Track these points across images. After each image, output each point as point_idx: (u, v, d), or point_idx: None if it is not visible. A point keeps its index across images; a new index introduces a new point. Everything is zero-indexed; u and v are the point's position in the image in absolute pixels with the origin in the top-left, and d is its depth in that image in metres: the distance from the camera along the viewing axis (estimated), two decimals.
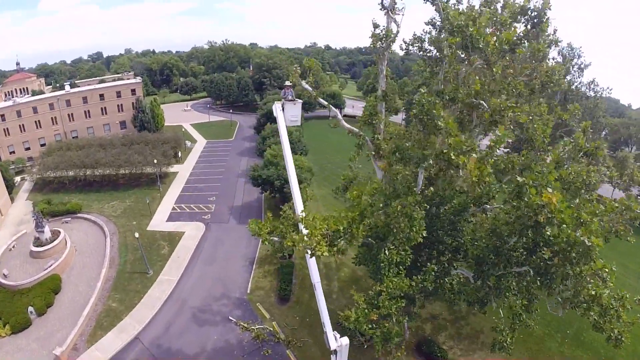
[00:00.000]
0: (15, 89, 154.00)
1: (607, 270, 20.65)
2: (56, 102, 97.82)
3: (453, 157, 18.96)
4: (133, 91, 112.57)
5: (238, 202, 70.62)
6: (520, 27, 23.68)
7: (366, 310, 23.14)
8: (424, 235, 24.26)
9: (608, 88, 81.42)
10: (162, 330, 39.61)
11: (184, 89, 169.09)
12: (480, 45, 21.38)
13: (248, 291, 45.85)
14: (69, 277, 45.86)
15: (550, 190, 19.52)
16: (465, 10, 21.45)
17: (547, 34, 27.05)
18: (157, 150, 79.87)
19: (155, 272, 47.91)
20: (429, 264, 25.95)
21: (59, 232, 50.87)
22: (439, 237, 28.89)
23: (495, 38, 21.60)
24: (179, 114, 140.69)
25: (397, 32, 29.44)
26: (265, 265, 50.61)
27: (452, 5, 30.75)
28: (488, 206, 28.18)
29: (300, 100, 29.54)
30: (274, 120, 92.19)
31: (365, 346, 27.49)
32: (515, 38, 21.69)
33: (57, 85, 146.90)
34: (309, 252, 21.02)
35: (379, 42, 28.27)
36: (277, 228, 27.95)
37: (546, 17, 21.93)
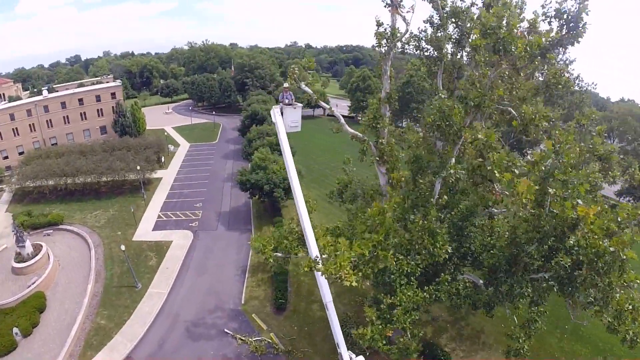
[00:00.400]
0: None
1: (639, 281, 20.14)
2: (34, 108, 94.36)
3: (497, 175, 17.64)
4: (113, 95, 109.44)
5: (225, 207, 69.08)
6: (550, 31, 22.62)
7: (380, 327, 22.10)
8: (449, 251, 23.51)
9: (593, 83, 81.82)
10: (156, 347, 37.95)
11: (165, 91, 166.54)
12: (512, 49, 20.31)
13: (242, 302, 44.45)
14: (54, 294, 43.79)
15: (580, 202, 18.78)
16: (497, 10, 20.12)
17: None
18: (139, 156, 77.57)
19: (144, 285, 46.11)
20: (442, 274, 25.12)
21: (41, 246, 48.74)
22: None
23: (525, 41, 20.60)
24: (161, 117, 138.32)
25: (407, 30, 28.34)
26: (258, 273, 49.26)
27: (451, 2, 30.02)
28: (495, 210, 27.49)
29: (301, 104, 27.52)
30: (259, 121, 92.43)
31: None
32: (546, 42, 20.60)
33: (35, 90, 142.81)
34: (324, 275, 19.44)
35: (385, 41, 26.83)
36: (281, 243, 26.88)
37: (583, 22, 20.91)
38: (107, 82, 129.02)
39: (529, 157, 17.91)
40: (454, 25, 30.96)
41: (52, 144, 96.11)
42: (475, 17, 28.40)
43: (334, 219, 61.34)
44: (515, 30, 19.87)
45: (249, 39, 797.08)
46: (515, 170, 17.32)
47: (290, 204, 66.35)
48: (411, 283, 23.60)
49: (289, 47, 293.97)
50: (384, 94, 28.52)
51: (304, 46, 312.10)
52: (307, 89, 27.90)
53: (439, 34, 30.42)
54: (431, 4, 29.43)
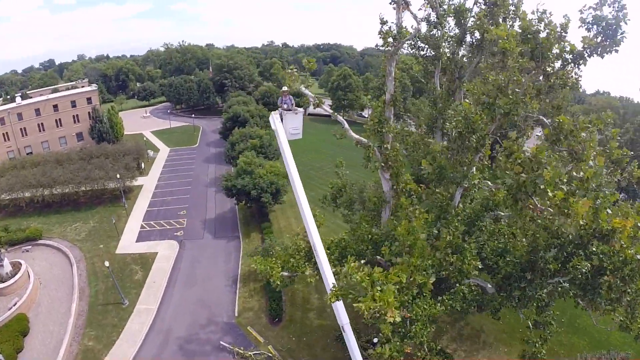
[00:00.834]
0: None
1: None
2: (7, 116, 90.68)
3: (550, 194, 16.57)
4: (89, 99, 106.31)
5: (211, 214, 67.38)
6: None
7: (398, 343, 21.03)
8: (480, 266, 22.84)
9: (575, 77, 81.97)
10: None
11: (142, 94, 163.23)
12: (550, 55, 19.37)
13: (236, 314, 42.96)
14: (37, 316, 41.66)
15: (609, 211, 18.13)
16: (537, 12, 19.09)
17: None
18: (119, 163, 75.16)
19: (131, 302, 44.24)
20: (457, 285, 24.30)
21: (20, 263, 46.33)
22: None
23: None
24: (139, 122, 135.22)
25: (418, 29, 27.21)
26: (250, 282, 47.80)
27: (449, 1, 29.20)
28: (502, 213, 26.79)
29: (302, 109, 25.73)
30: (240, 123, 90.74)
31: None
32: (582, 49, 19.68)
33: (8, 97, 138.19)
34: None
35: (392, 41, 25.34)
36: (288, 263, 25.65)
37: (621, 31, 20.04)
38: (82, 86, 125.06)
39: (574, 172, 16.95)
40: (457, 24, 30.19)
41: (27, 153, 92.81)
42: (482, 15, 27.57)
43: (326, 223, 60.43)
44: (554, 35, 18.95)
45: (226, 39, 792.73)
46: (563, 186, 16.32)
47: (277, 208, 65.15)
48: (424, 295, 22.64)
49: (266, 47, 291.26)
50: (388, 96, 27.13)
51: (280, 45, 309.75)
52: (307, 92, 26.42)
53: (436, 33, 29.53)
54: (427, 2, 28.42)
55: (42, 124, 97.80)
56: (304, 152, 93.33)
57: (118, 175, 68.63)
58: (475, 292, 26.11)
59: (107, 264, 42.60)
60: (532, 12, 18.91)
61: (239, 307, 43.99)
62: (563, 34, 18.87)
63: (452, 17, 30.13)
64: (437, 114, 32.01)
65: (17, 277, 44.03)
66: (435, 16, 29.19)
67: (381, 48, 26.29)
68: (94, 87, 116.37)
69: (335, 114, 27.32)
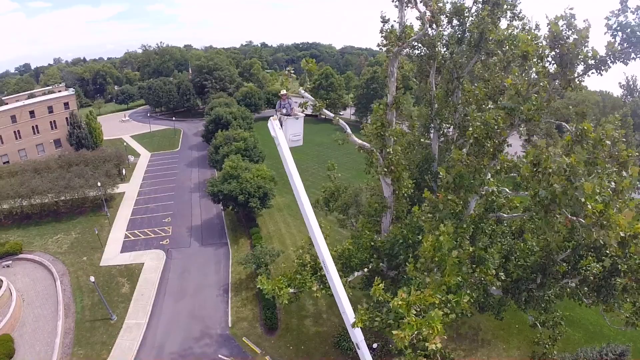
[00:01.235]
0: None
1: None
2: None
3: (590, 207, 15.94)
4: (66, 104, 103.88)
5: (197, 220, 65.97)
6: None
7: (412, 354, 20.32)
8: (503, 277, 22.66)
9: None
10: None
11: (120, 97, 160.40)
12: (577, 61, 18.77)
13: (230, 325, 41.77)
14: (22, 336, 39.89)
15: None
16: (565, 18, 18.44)
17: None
18: (99, 171, 73.14)
19: (120, 317, 42.68)
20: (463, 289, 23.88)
21: (1, 280, 44.51)
22: None
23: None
24: (118, 126, 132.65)
25: (426, 29, 26.39)
26: (242, 291, 46.72)
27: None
28: (505, 215, 26.34)
29: (303, 114, 24.21)
30: (223, 126, 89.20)
31: None
32: (605, 55, 19.11)
33: None
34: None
35: (397, 41, 24.43)
36: (294, 280, 24.75)
37: None
38: (59, 91, 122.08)
39: (606, 181, 16.40)
40: (458, 23, 29.63)
41: (4, 162, 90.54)
42: (485, 15, 27.04)
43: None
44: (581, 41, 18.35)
45: (204, 40, 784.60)
46: (598, 198, 15.79)
47: (265, 212, 64.12)
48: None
49: (245, 47, 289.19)
50: (390, 98, 26.33)
51: (259, 45, 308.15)
52: (307, 95, 25.32)
53: (431, 32, 28.91)
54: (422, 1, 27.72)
55: (18, 131, 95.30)
56: None
57: (99, 183, 66.63)
58: (478, 295, 25.75)
59: (92, 279, 40.99)
60: (560, 17, 18.27)
61: (232, 317, 42.84)
62: (586, 39, 18.32)
63: (446, 16, 29.53)
64: (434, 115, 31.44)
65: None
66: (430, 14, 28.48)
67: (383, 48, 25.43)
68: (71, 91, 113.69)
69: (337, 118, 26.28)
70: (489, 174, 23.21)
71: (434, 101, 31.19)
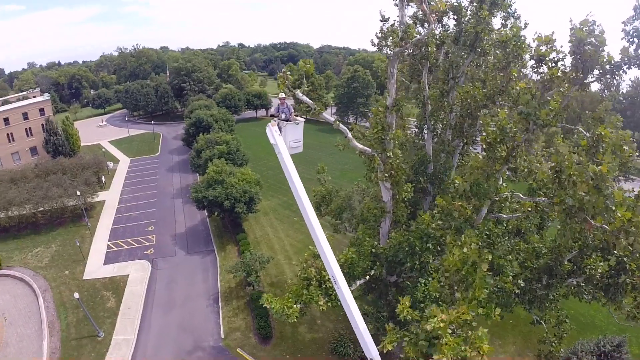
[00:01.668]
0: None
1: None
2: None
3: (619, 215, 15.46)
4: (42, 110, 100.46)
5: (181, 228, 64.42)
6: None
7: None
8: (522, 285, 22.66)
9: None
10: None
11: (97, 102, 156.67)
12: (598, 66, 18.38)
13: (222, 336, 40.59)
14: (6, 357, 38.00)
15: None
16: (588, 25, 17.96)
17: None
18: (78, 179, 70.72)
19: (107, 333, 41.07)
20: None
21: None
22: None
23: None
24: (95, 131, 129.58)
25: (431, 29, 25.65)
26: (233, 300, 45.58)
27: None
28: (505, 216, 25.87)
29: (302, 119, 22.80)
30: (204, 129, 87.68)
31: None
32: (619, 60, 18.74)
33: None
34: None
35: (400, 42, 23.56)
36: (301, 296, 23.86)
37: None
38: (34, 96, 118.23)
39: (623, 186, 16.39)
40: (455, 22, 29.08)
41: None
42: (485, 15, 26.55)
43: (301, 229, 58.73)
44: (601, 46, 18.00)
45: (180, 41, 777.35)
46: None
47: (251, 217, 63.04)
48: (441, 306, 21.42)
49: (222, 48, 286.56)
50: (390, 100, 25.54)
51: (237, 46, 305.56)
52: (305, 98, 24.28)
53: (423, 31, 28.27)
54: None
55: None
56: (272, 156, 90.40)
57: (78, 192, 64.38)
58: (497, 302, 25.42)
59: (76, 295, 39.38)
60: (584, 23, 17.89)
61: (224, 328, 41.69)
62: (604, 44, 17.98)
63: (435, 16, 28.92)
64: (428, 115, 30.88)
65: None
66: (422, 14, 27.79)
67: (384, 49, 24.60)
68: (46, 96, 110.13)
69: (338, 122, 25.30)
70: (501, 179, 22.73)
71: (427, 102, 30.62)
